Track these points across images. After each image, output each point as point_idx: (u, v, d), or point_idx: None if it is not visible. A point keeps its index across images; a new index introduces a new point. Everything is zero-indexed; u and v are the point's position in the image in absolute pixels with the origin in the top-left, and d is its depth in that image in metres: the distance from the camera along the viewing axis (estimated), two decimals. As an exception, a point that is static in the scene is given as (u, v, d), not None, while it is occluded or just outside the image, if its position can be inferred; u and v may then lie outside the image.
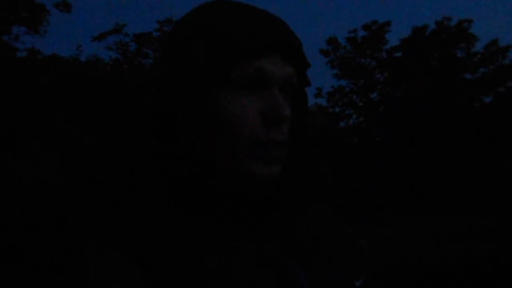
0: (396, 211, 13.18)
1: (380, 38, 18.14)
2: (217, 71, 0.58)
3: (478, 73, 17.48)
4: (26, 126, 9.53)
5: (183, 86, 0.60)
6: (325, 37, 19.64)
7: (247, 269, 0.59)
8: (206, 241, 0.58)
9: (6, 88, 9.96)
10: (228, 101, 0.59)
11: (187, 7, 0.73)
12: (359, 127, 18.45)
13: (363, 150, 17.34)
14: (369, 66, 18.55)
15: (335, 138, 18.02)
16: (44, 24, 13.59)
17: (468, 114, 16.45)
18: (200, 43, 0.59)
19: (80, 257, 0.55)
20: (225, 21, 0.59)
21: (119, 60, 14.45)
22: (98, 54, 15.73)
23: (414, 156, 16.22)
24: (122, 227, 0.57)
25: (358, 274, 0.69)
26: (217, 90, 0.59)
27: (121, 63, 14.46)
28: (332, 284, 0.64)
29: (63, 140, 9.87)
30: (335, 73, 18.50)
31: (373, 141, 17.96)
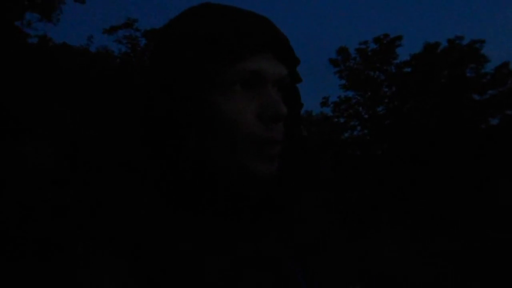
0: (389, 225, 13.11)
1: (390, 52, 18.10)
2: (211, 73, 0.58)
3: (486, 95, 17.39)
4: (30, 112, 9.55)
5: (177, 90, 0.59)
6: (335, 47, 19.56)
7: (247, 270, 0.58)
8: (205, 241, 0.58)
9: (12, 73, 10.00)
10: (223, 101, 0.58)
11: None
12: (363, 140, 18.39)
13: (365, 163, 17.29)
14: (377, 79, 18.51)
15: (339, 148, 17.97)
16: (58, 12, 13.65)
17: (474, 135, 16.37)
18: (192, 48, 0.59)
19: (75, 257, 0.54)
20: (216, 23, 0.60)
21: (128, 54, 14.50)
22: (108, 47, 15.74)
23: (415, 172, 16.14)
24: (119, 227, 0.57)
25: (354, 280, 0.69)
26: (212, 92, 0.59)
27: (130, 57, 14.50)
28: (329, 286, 0.64)
29: (66, 128, 9.89)
30: (343, 84, 18.48)
31: (375, 154, 17.90)
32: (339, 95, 18.60)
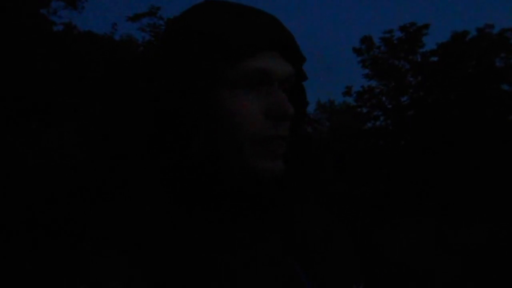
0: (411, 217, 12.94)
1: (416, 40, 17.66)
2: (217, 71, 0.58)
3: (516, 85, 16.83)
4: (54, 100, 9.73)
5: (183, 88, 0.59)
6: (360, 36, 19.20)
7: (250, 268, 0.58)
8: (208, 240, 0.58)
9: (38, 61, 10.19)
10: (230, 100, 0.58)
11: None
12: (386, 130, 18.10)
13: (388, 153, 17.05)
14: (402, 69, 18.12)
15: (361, 138, 17.76)
16: (82, 0, 13.80)
17: (501, 126, 15.92)
18: (198, 45, 0.59)
19: (83, 253, 0.55)
20: (222, 21, 0.59)
21: (152, 42, 14.58)
22: (132, 35, 15.87)
23: (439, 164, 15.84)
24: (126, 226, 0.57)
25: (358, 279, 0.68)
26: (219, 90, 0.59)
27: (153, 45, 14.58)
28: (332, 286, 0.64)
29: (89, 117, 10.05)
30: (366, 73, 18.17)
31: (399, 145, 17.62)
32: (362, 84, 18.26)
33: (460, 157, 15.61)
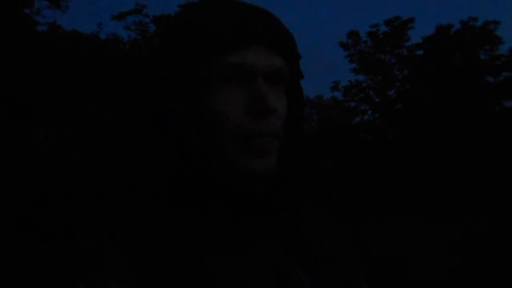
0: (400, 210, 13.09)
1: (402, 34, 17.84)
2: (199, 66, 0.58)
3: (500, 77, 17.11)
4: (40, 99, 9.63)
5: (171, 83, 0.60)
6: (346, 31, 19.34)
7: (248, 268, 0.57)
8: (205, 239, 0.57)
9: (24, 60, 10.08)
10: (212, 95, 0.58)
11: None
12: (374, 124, 18.27)
13: (376, 147, 17.21)
14: (388, 63, 18.29)
15: (350, 133, 17.89)
16: (66, 0, 13.65)
17: (487, 118, 16.17)
18: (182, 40, 0.59)
19: (81, 253, 0.55)
20: (207, 17, 0.59)
21: (137, 40, 14.50)
22: (118, 33, 15.75)
23: (427, 156, 16.04)
24: (122, 226, 0.57)
25: (359, 279, 0.67)
26: (202, 85, 0.59)
27: (139, 42, 14.50)
28: (333, 286, 0.63)
29: (79, 115, 9.96)
30: (353, 68, 18.30)
31: (387, 138, 17.79)
32: (349, 79, 18.38)
33: (448, 149, 15.82)
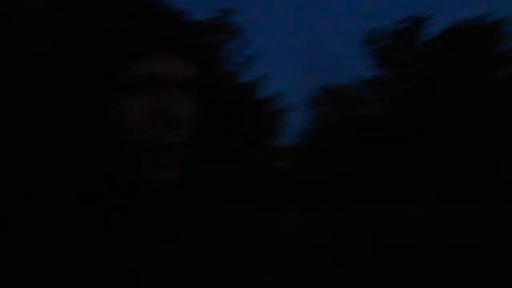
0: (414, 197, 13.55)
1: (420, 30, 18.54)
2: (105, 73, 0.56)
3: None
4: None
5: (75, 90, 0.58)
6: (367, 28, 19.96)
7: (164, 270, 0.60)
8: (121, 243, 0.58)
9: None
10: (118, 104, 0.56)
11: None
12: (395, 117, 19.03)
13: (398, 140, 17.96)
14: (407, 57, 19.06)
15: (371, 123, 18.58)
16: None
17: (502, 110, 16.85)
18: (91, 43, 0.57)
19: None
20: (114, 19, 0.58)
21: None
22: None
23: (444, 148, 16.82)
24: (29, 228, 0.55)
25: (267, 271, 0.70)
26: (109, 92, 0.56)
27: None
28: (237, 284, 0.65)
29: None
30: (374, 64, 19.12)
31: (407, 131, 18.53)
32: (371, 74, 19.25)
33: (463, 143, 16.57)
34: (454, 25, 18.37)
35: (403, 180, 16.32)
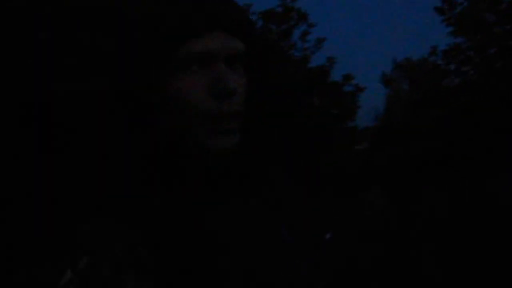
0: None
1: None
2: (162, 53, 0.61)
3: None
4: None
5: (135, 71, 0.63)
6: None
7: (237, 226, 0.64)
8: (194, 205, 0.63)
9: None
10: (176, 80, 0.61)
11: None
12: (476, 84, 18.13)
13: (478, 108, 17.11)
14: (487, 21, 17.91)
15: (450, 94, 17.88)
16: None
17: None
18: (139, 30, 0.62)
19: (81, 226, 0.58)
20: (163, 7, 0.62)
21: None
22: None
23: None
24: (117, 197, 0.61)
25: (327, 229, 0.74)
26: (167, 71, 0.62)
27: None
28: (308, 238, 0.70)
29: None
30: (451, 31, 18.19)
31: (490, 98, 17.59)
32: (447, 42, 18.33)
33: None
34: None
35: (494, 158, 15.47)
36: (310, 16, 17.48)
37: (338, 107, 18.67)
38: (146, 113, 0.65)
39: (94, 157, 0.65)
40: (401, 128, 19.70)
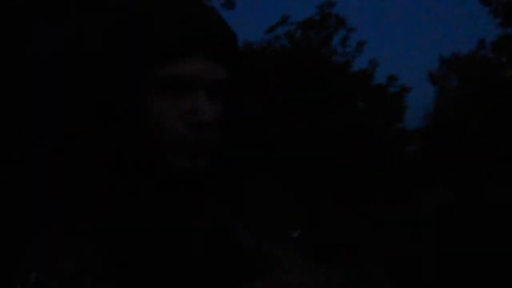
0: None
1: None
2: (140, 72, 0.58)
3: None
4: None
5: (115, 85, 0.60)
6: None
7: (197, 236, 0.64)
8: (156, 217, 0.61)
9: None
10: (153, 102, 0.59)
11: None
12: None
13: None
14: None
15: (496, 89, 17.11)
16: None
17: None
18: (129, 43, 0.59)
19: (30, 240, 0.55)
20: (148, 21, 0.59)
21: (286, 48, 15.89)
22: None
23: None
24: (71, 206, 0.58)
25: (295, 227, 0.91)
26: (144, 90, 0.59)
27: (288, 49, 15.87)
28: (268, 235, 0.72)
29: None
30: (499, 22, 17.42)
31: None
32: (496, 34, 17.58)
33: None
34: None
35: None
36: (350, 21, 17.39)
37: (384, 109, 18.30)
38: (116, 127, 0.62)
39: (49, 164, 0.64)
40: (455, 125, 19.04)
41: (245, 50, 16.78)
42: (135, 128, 0.61)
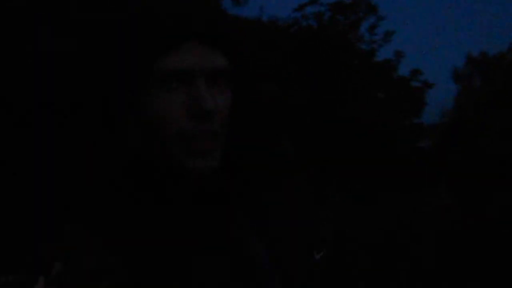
0: None
1: None
2: (139, 67, 0.58)
3: None
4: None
5: (114, 85, 0.60)
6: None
7: (210, 252, 0.61)
8: (170, 224, 0.60)
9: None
10: (154, 96, 0.58)
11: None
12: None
13: None
14: None
15: None
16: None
17: None
18: (124, 39, 0.59)
19: (61, 235, 0.56)
20: (147, 15, 0.59)
21: (312, 28, 15.61)
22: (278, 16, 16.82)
23: None
24: (99, 214, 0.58)
25: (319, 247, 0.85)
26: (144, 86, 0.59)
27: (314, 30, 15.60)
28: (292, 258, 0.76)
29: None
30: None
31: None
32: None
33: None
34: None
35: None
36: (380, 9, 16.98)
37: (404, 102, 18.03)
38: (121, 128, 0.62)
39: (65, 163, 0.62)
40: (473, 126, 18.76)
41: (270, 26, 16.50)
42: (139, 124, 0.60)
